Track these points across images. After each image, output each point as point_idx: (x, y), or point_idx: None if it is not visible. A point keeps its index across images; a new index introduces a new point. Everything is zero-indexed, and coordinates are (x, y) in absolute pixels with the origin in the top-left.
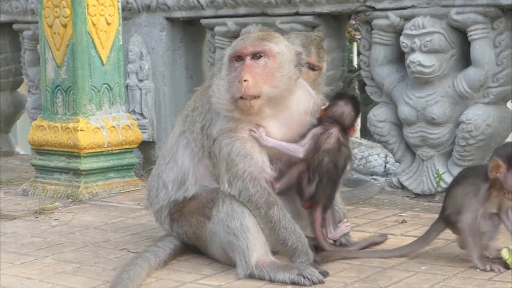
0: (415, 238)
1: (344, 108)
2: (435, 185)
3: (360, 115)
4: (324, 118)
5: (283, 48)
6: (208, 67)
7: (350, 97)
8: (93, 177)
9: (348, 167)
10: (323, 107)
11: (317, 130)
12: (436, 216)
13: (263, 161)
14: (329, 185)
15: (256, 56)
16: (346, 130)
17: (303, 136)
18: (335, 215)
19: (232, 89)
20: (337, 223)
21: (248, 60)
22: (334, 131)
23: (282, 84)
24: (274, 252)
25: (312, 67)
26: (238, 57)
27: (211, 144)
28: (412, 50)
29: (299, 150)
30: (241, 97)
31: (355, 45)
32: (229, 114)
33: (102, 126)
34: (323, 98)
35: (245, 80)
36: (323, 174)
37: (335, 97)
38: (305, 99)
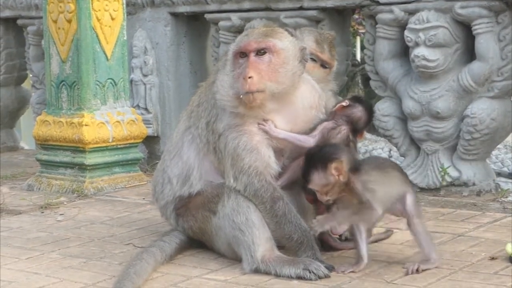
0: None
1: (363, 113)
2: (440, 179)
3: (370, 123)
4: (340, 115)
5: (287, 44)
6: (212, 62)
7: (368, 104)
8: (98, 172)
9: None
10: (343, 104)
11: (328, 124)
12: (441, 210)
13: (269, 156)
14: None
15: (260, 52)
16: (355, 132)
17: (309, 130)
18: None
19: (236, 85)
20: None
21: (252, 56)
22: (346, 128)
23: (287, 80)
24: (280, 247)
25: (323, 65)
26: (242, 54)
27: (216, 140)
28: (417, 44)
29: (310, 141)
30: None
31: (358, 39)
32: (234, 110)
33: (106, 121)
34: (332, 95)
35: (249, 77)
36: None
37: (354, 100)
38: (310, 94)
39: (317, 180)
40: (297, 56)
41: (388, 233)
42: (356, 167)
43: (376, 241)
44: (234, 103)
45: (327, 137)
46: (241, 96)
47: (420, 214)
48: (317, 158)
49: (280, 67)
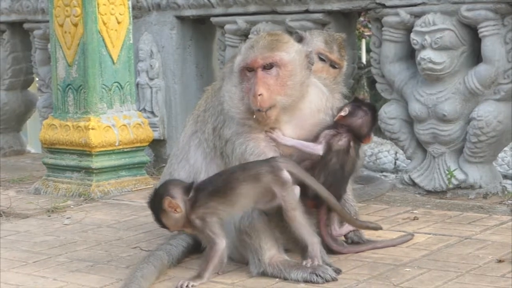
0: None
1: (363, 120)
2: (447, 182)
3: (376, 125)
4: (340, 124)
5: (294, 55)
6: (218, 65)
7: (369, 106)
8: (105, 176)
9: (354, 172)
10: (342, 114)
11: (329, 131)
12: (448, 212)
13: None
14: (334, 186)
15: (267, 66)
16: (360, 138)
17: (315, 135)
18: None
19: (246, 101)
20: None
21: (259, 71)
22: (347, 135)
23: (296, 92)
24: (287, 250)
25: (333, 65)
26: (250, 68)
27: (223, 145)
28: (423, 47)
29: (318, 148)
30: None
31: (363, 41)
32: (245, 122)
33: (113, 125)
34: (340, 97)
35: (259, 94)
36: (328, 174)
37: (354, 104)
38: (317, 98)
39: (165, 218)
40: (304, 64)
41: (408, 236)
42: (194, 200)
43: (394, 245)
44: (244, 116)
45: (329, 143)
46: (254, 116)
47: (295, 205)
48: (153, 202)
49: (289, 79)
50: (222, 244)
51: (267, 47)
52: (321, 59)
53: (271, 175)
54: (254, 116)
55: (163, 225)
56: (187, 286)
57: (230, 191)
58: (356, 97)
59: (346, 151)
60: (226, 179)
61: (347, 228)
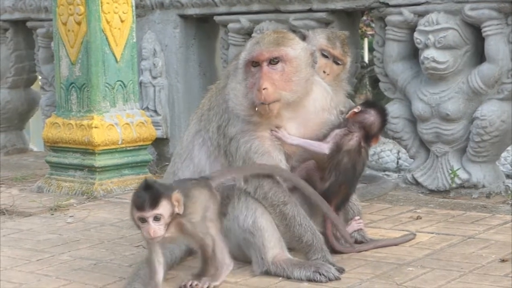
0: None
1: (375, 118)
2: (450, 181)
3: (385, 127)
4: (352, 121)
5: (299, 51)
6: (221, 64)
7: (381, 107)
8: (108, 174)
9: (364, 172)
10: (355, 110)
11: (340, 131)
12: (451, 212)
13: (280, 160)
14: (344, 185)
15: (273, 61)
16: (369, 137)
17: (320, 133)
18: (349, 212)
19: (250, 96)
20: (350, 220)
21: (265, 66)
22: (358, 134)
23: (300, 88)
24: (290, 249)
25: (336, 61)
26: (255, 62)
27: (227, 143)
28: (426, 46)
29: (324, 147)
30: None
31: (366, 41)
32: (249, 119)
33: (116, 123)
34: (345, 96)
35: (264, 88)
36: (340, 174)
37: (366, 104)
38: (322, 97)
39: (165, 206)
40: (308, 62)
41: (410, 236)
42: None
43: (396, 245)
44: (248, 112)
45: (340, 143)
46: (257, 109)
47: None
48: (158, 188)
49: (294, 75)
50: (211, 244)
51: (273, 42)
52: (324, 56)
53: (207, 187)
54: (256, 109)
55: (156, 204)
56: (195, 285)
57: (195, 192)
58: (367, 100)
59: (358, 151)
60: (189, 182)
61: (351, 227)
